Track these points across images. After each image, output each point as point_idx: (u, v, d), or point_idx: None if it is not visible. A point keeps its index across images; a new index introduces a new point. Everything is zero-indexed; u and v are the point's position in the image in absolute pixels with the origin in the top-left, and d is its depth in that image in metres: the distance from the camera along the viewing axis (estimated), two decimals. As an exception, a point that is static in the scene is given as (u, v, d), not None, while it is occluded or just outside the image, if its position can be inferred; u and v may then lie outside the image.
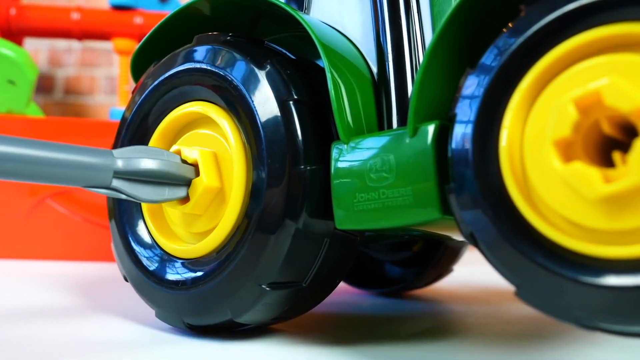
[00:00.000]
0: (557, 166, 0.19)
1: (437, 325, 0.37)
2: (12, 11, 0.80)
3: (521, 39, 0.21)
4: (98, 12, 0.80)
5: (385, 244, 0.49)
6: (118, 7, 0.79)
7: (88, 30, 0.80)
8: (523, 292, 0.20)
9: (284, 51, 0.32)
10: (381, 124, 0.29)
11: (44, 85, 1.03)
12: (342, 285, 0.52)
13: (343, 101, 0.28)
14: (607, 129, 0.19)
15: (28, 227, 0.64)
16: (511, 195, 0.21)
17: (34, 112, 0.72)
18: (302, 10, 0.34)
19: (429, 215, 0.24)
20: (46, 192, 0.64)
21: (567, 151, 0.20)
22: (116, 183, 0.27)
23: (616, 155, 0.19)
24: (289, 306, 0.29)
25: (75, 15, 0.79)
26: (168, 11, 0.82)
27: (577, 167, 0.19)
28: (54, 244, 0.64)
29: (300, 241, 0.27)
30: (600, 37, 0.19)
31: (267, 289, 0.28)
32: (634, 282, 0.18)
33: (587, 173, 0.18)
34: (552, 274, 0.19)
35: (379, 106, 0.30)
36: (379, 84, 0.30)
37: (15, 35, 0.82)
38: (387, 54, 0.30)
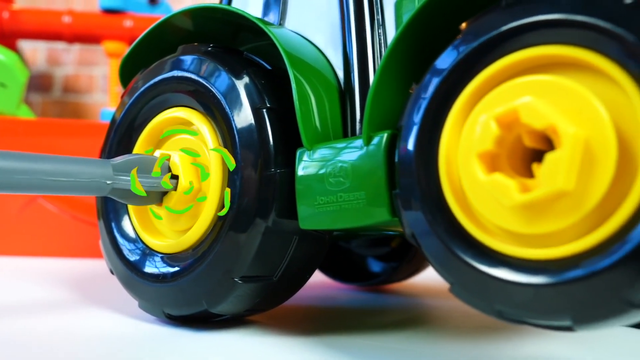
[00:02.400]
0: (480, 176, 0.22)
1: (409, 317, 0.39)
2: (5, 14, 0.82)
3: (457, 59, 0.24)
4: (89, 15, 0.82)
5: (366, 239, 0.52)
6: (108, 11, 0.81)
7: (79, 33, 0.82)
8: (455, 289, 0.23)
9: (260, 61, 0.35)
10: (346, 131, 0.32)
11: (43, 83, 1.05)
12: (322, 278, 0.54)
13: (308, 109, 0.30)
14: (529, 142, 0.21)
15: (20, 225, 0.66)
16: (447, 201, 0.23)
17: (25, 113, 0.74)
18: (279, 22, 0.37)
19: (380, 218, 0.26)
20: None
21: (492, 163, 0.22)
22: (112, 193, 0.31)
23: (535, 167, 0.21)
24: (260, 299, 0.32)
25: (66, 19, 0.81)
26: (158, 14, 0.84)
27: (496, 178, 0.21)
28: (44, 241, 0.66)
29: (270, 238, 0.30)
30: (522, 59, 0.22)
31: (239, 282, 0.30)
32: (546, 280, 0.20)
33: (505, 183, 0.21)
34: (479, 273, 0.22)
35: (344, 113, 0.32)
36: (345, 92, 0.33)
37: (8, 38, 0.84)
38: (353, 63, 0.32)
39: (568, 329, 0.21)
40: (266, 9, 0.37)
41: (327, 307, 0.42)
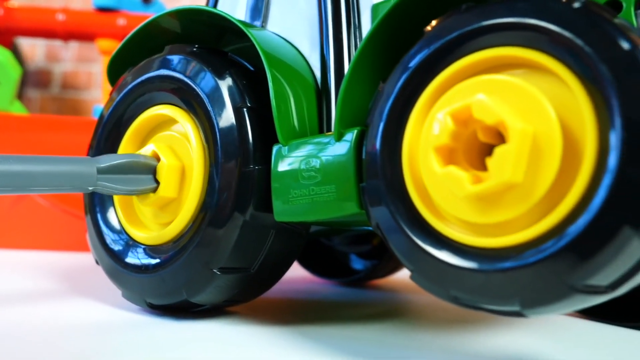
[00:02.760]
0: (436, 169, 0.23)
1: (385, 310, 0.41)
2: (0, 12, 0.83)
3: (420, 60, 0.25)
4: (82, 14, 0.84)
5: (347, 237, 0.53)
6: (102, 9, 0.83)
7: (73, 31, 0.83)
8: (415, 276, 0.24)
9: (243, 62, 0.36)
10: (322, 128, 0.33)
11: (41, 80, 1.06)
12: (304, 274, 0.56)
13: (284, 106, 0.32)
14: (483, 137, 0.23)
15: (12, 219, 0.67)
16: (410, 193, 0.25)
17: (18, 109, 0.75)
18: (262, 24, 0.38)
19: (349, 210, 0.28)
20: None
21: (449, 156, 0.23)
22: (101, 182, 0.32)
23: (487, 160, 0.22)
24: (238, 290, 0.33)
25: (60, 17, 0.83)
26: (151, 12, 0.85)
27: (451, 170, 0.23)
28: (35, 235, 0.67)
29: (248, 232, 0.31)
30: (479, 60, 0.23)
31: (218, 273, 0.32)
32: (496, 267, 0.22)
33: (458, 175, 0.22)
34: (436, 260, 0.23)
35: (321, 112, 0.34)
36: (322, 91, 0.34)
37: (3, 35, 0.85)
38: (329, 63, 0.34)
39: (517, 314, 0.22)
40: (250, 12, 0.39)
41: (307, 300, 0.44)
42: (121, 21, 0.82)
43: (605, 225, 0.20)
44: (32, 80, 1.05)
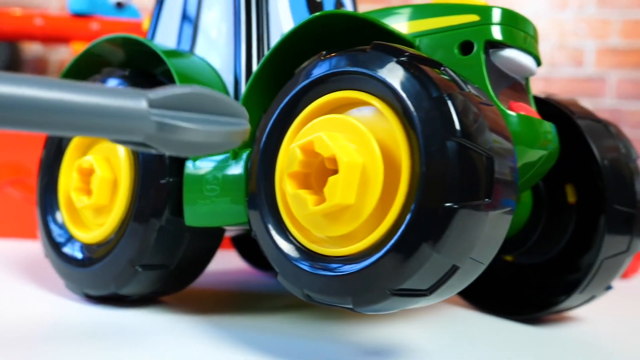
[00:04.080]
0: (290, 191, 0.28)
1: (300, 302, 0.46)
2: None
3: (288, 98, 0.30)
4: (59, 19, 0.89)
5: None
6: (77, 14, 0.87)
7: (50, 35, 0.88)
8: (280, 277, 0.30)
9: (167, 82, 0.41)
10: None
11: (39, 67, 1.12)
12: (243, 265, 0.61)
13: None
14: (329, 165, 0.28)
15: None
16: (279, 208, 0.30)
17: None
18: (191, 49, 0.43)
19: (240, 219, 0.33)
20: (4, 180, 0.73)
21: (304, 180, 0.29)
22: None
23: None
24: (161, 283, 0.39)
25: (38, 21, 0.88)
26: (124, 17, 0.90)
27: (299, 192, 0.28)
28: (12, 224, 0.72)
29: (164, 235, 0.37)
30: (328, 101, 0.29)
31: (140, 269, 0.37)
32: (335, 272, 0.27)
33: (304, 197, 0.27)
34: (294, 265, 0.29)
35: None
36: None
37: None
38: (241, 83, 0.39)
39: (352, 309, 0.27)
40: (180, 38, 0.43)
41: (234, 291, 0.49)
42: (95, 25, 0.87)
43: (409, 242, 0.25)
44: (29, 69, 1.10)
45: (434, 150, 0.25)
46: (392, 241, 0.26)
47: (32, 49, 1.11)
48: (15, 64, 1.05)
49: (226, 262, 0.63)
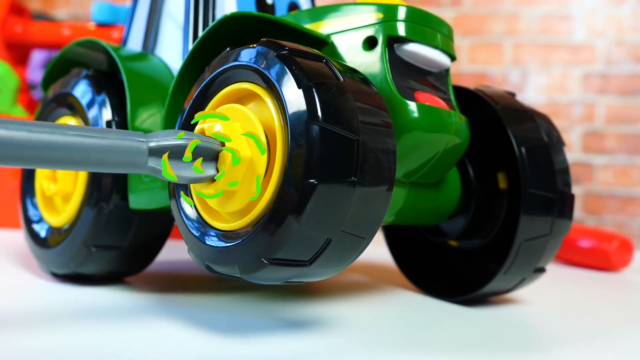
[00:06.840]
0: None
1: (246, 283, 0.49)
2: (18, 28, 0.96)
3: (199, 90, 0.33)
4: (84, 28, 0.95)
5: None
6: (101, 24, 0.94)
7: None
8: (189, 250, 0.33)
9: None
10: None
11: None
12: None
13: (139, 118, 0.40)
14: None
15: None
16: (191, 189, 0.33)
17: (19, 112, 0.88)
18: (152, 50, 0.47)
19: (167, 202, 0.36)
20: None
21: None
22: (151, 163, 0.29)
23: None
24: (117, 263, 0.43)
25: (66, 31, 0.95)
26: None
27: None
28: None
29: (114, 217, 0.41)
30: (227, 93, 0.32)
31: (94, 249, 0.41)
32: (225, 244, 0.30)
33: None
34: (198, 240, 0.32)
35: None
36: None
37: (22, 48, 0.98)
38: None
39: (240, 278, 0.30)
40: (144, 41, 0.47)
41: (194, 275, 0.52)
42: (117, 34, 0.92)
43: (278, 215, 0.28)
44: (41, 65, 1.19)
45: (298, 133, 0.28)
46: (266, 215, 0.28)
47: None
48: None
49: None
